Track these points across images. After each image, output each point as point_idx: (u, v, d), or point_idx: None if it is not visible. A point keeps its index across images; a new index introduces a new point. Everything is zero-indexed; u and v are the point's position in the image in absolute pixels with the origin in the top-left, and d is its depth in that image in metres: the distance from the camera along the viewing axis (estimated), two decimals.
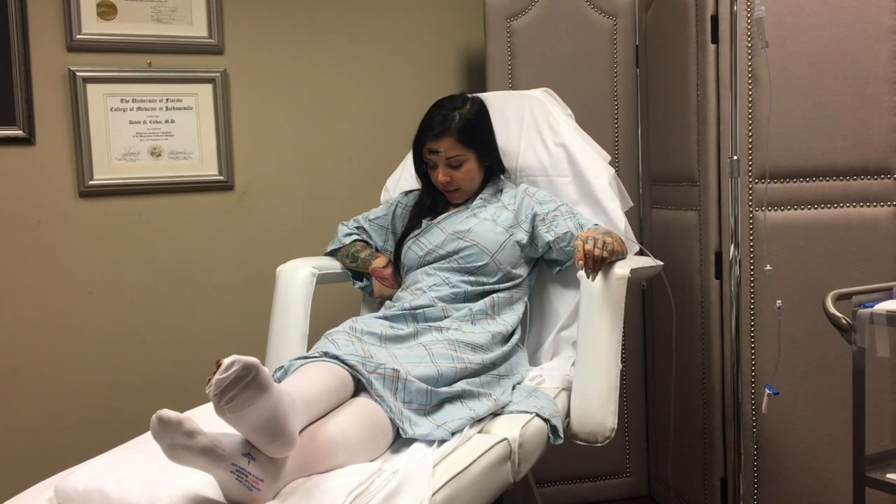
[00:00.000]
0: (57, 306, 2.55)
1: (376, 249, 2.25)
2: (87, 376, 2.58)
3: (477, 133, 2.10)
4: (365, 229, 2.28)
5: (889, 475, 1.67)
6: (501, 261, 2.03)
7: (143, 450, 1.46)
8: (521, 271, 2.08)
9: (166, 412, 1.18)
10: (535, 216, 2.09)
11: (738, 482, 2.21)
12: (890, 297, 1.74)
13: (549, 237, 2.06)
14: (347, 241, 2.24)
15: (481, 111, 2.14)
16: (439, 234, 2.08)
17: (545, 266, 2.18)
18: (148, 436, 1.50)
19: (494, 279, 2.03)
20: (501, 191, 2.18)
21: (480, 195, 2.15)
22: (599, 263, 1.83)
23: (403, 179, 2.41)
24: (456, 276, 2.01)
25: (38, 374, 2.53)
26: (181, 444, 1.19)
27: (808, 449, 2.26)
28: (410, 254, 2.10)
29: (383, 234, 2.27)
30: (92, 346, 2.59)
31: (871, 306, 1.68)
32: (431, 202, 2.19)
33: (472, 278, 2.01)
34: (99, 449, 1.57)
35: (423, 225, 2.14)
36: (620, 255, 1.94)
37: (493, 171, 2.19)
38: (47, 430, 2.54)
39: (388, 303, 2.06)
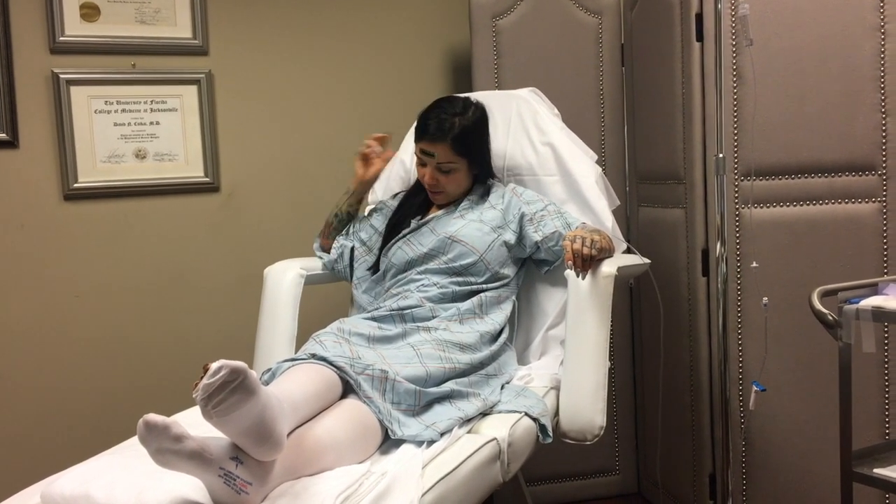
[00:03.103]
0: (42, 310, 2.53)
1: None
2: (73, 380, 2.57)
3: (472, 142, 2.09)
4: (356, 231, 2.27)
5: (876, 470, 1.67)
6: (489, 261, 2.03)
7: (131, 454, 1.45)
8: (509, 271, 2.08)
9: (153, 416, 1.17)
10: (522, 216, 2.09)
11: (726, 478, 2.22)
12: (875, 293, 1.74)
13: (537, 237, 2.06)
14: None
15: (481, 119, 2.13)
16: (430, 235, 2.08)
17: (533, 265, 2.18)
18: (135, 440, 1.49)
19: (482, 279, 2.02)
20: (489, 191, 2.17)
21: (468, 197, 2.15)
22: (588, 262, 1.83)
23: (391, 180, 2.40)
24: (444, 277, 2.01)
25: (23, 379, 2.52)
26: (168, 449, 1.18)
27: (795, 444, 2.27)
28: (400, 253, 2.08)
29: (370, 231, 2.25)
30: (78, 350, 2.57)
31: (857, 302, 1.69)
32: (420, 202, 2.18)
33: (460, 279, 2.01)
34: (86, 454, 1.56)
35: (413, 224, 2.13)
36: (608, 252, 1.95)
37: (481, 177, 2.19)
38: (33, 435, 2.52)
39: (375, 303, 2.06)
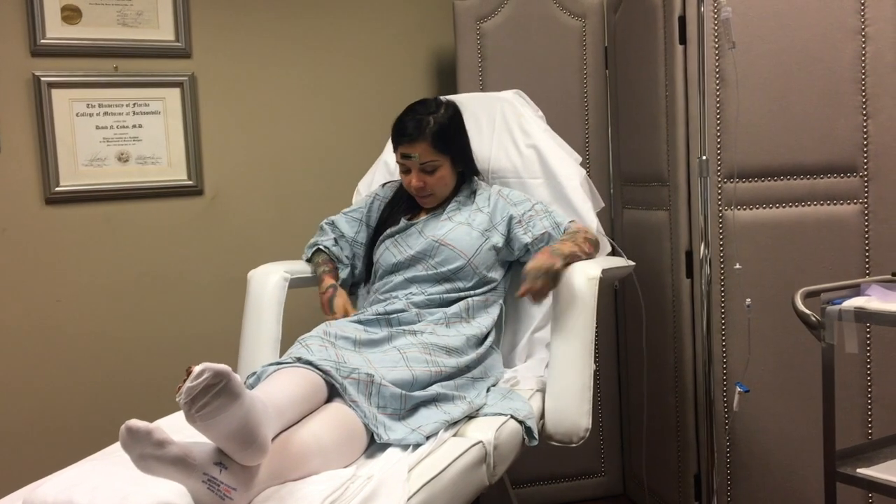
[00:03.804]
0: (24, 315, 2.51)
1: (335, 264, 2.20)
2: (55, 386, 2.54)
3: (451, 138, 2.08)
4: (334, 223, 2.25)
5: (859, 470, 1.69)
6: (477, 264, 2.02)
7: (114, 460, 1.43)
8: (497, 274, 2.08)
9: (135, 422, 1.17)
10: (510, 218, 2.08)
11: (711, 479, 2.22)
12: (858, 294, 1.76)
13: (527, 239, 2.06)
14: (309, 253, 2.23)
15: (455, 115, 2.12)
16: (418, 237, 2.07)
17: (519, 268, 2.18)
18: (118, 446, 1.48)
19: (470, 283, 2.02)
20: (475, 192, 2.17)
21: (455, 198, 2.15)
22: (545, 293, 1.88)
23: (376, 182, 2.40)
24: (432, 285, 2.01)
25: (5, 385, 2.49)
26: (151, 455, 1.17)
27: (779, 444, 2.28)
28: (388, 254, 2.08)
29: (356, 226, 2.24)
30: (60, 355, 2.55)
31: (840, 303, 1.70)
32: (410, 199, 2.18)
33: (448, 285, 2.01)
34: (69, 460, 1.55)
35: (402, 223, 2.13)
36: (588, 255, 1.96)
37: (466, 175, 2.19)
38: (15, 441, 2.50)
39: (363, 306, 2.06)
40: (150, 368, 2.63)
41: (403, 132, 2.04)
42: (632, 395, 2.69)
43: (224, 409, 1.20)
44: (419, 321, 1.92)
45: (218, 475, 1.22)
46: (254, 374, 1.67)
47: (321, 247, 2.21)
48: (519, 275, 2.19)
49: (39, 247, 2.52)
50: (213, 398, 1.19)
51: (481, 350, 1.93)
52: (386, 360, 1.73)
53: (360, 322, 1.91)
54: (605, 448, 2.76)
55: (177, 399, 1.19)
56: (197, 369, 1.18)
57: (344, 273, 2.19)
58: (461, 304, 1.99)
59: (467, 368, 1.86)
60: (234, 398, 1.21)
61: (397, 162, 2.10)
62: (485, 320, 2.01)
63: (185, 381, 1.19)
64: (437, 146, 2.04)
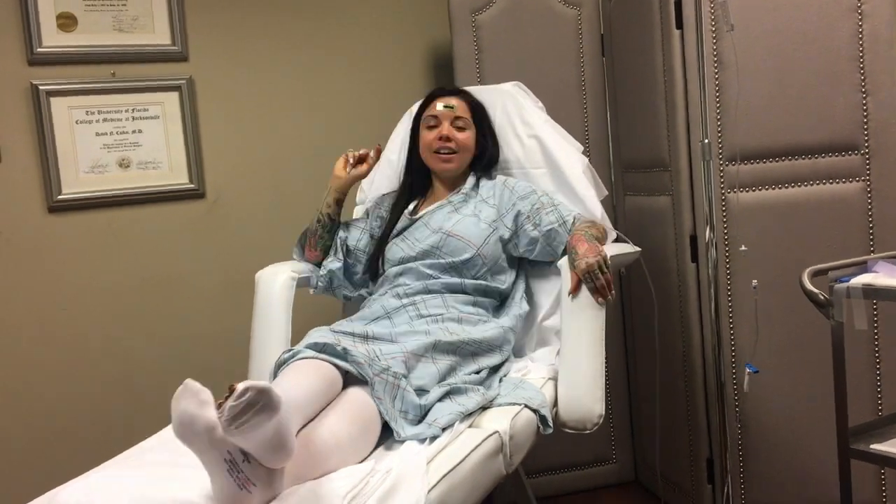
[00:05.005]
0: (28, 323, 2.51)
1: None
2: (62, 394, 2.54)
3: (483, 114, 2.21)
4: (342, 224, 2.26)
5: (873, 446, 1.69)
6: (486, 255, 2.03)
7: (133, 464, 1.44)
8: (505, 265, 2.09)
9: (193, 382, 1.23)
10: (518, 214, 2.09)
11: (724, 462, 2.23)
12: (864, 271, 1.76)
13: (535, 234, 2.06)
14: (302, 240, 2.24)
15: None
16: (424, 230, 2.08)
17: (526, 264, 2.19)
18: (133, 451, 1.49)
19: (480, 274, 2.03)
20: (479, 183, 2.18)
21: (462, 188, 2.15)
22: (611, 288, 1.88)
23: (378, 180, 2.40)
24: (442, 275, 2.01)
25: (12, 393, 2.49)
26: (191, 412, 1.21)
27: (791, 424, 2.28)
28: (395, 249, 2.09)
29: (357, 233, 2.24)
30: (67, 362, 2.55)
31: (847, 280, 1.70)
32: (407, 201, 2.18)
33: (458, 277, 2.02)
34: (85, 464, 1.55)
35: (406, 220, 2.13)
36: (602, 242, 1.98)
37: (477, 165, 2.19)
38: (30, 447, 2.50)
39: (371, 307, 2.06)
40: (156, 372, 2.63)
41: (444, 90, 2.19)
42: (640, 381, 2.70)
43: (262, 424, 1.21)
44: (433, 300, 1.96)
45: (241, 462, 1.24)
46: (289, 350, 1.68)
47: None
48: (524, 264, 2.20)
49: (43, 255, 2.52)
50: (254, 415, 1.20)
51: (500, 327, 1.98)
52: (405, 325, 1.83)
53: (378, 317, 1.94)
54: (616, 435, 2.76)
55: (217, 416, 1.21)
56: (240, 387, 1.20)
57: (335, 265, 2.18)
58: (472, 295, 2.01)
59: (482, 341, 1.90)
60: (273, 413, 1.22)
61: (426, 118, 2.15)
62: (500, 311, 2.04)
63: (227, 397, 1.20)
64: (473, 110, 2.17)
